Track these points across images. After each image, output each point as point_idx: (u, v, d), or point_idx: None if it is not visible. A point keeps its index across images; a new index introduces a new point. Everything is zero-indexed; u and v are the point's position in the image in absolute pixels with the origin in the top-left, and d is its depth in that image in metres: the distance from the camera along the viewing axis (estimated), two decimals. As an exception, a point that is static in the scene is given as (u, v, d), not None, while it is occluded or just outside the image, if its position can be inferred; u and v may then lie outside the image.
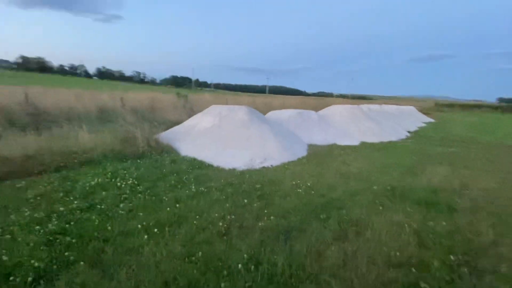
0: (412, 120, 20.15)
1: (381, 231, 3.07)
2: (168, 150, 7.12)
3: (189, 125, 8.51)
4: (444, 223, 3.30)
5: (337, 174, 5.54)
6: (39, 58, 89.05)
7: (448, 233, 3.12)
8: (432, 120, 24.22)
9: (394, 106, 21.79)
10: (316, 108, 16.29)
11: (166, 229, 3.04)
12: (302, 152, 7.56)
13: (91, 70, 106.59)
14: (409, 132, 14.60)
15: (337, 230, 3.12)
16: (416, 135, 13.26)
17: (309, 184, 4.76)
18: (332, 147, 8.75)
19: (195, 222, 3.21)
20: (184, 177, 4.95)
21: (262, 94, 55.66)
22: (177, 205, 3.68)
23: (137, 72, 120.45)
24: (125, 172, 5.08)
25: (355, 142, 10.07)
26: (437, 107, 47.92)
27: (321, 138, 9.88)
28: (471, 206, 3.94)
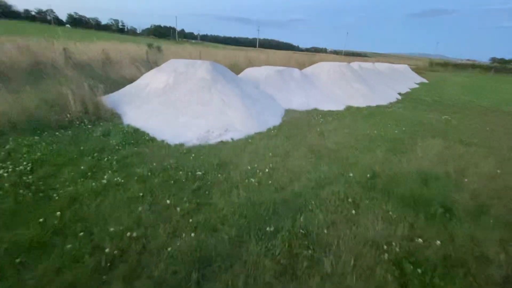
0: (404, 80, 18.83)
1: (347, 259, 2.07)
2: (110, 118, 5.76)
3: (140, 85, 6.98)
4: (438, 242, 2.32)
5: (308, 152, 4.45)
6: (1, 1, 78.10)
7: (444, 264, 2.16)
8: (425, 81, 22.95)
9: (387, 65, 20.22)
10: (304, 66, 14.63)
11: (18, 260, 1.95)
12: (274, 121, 6.34)
13: (62, 16, 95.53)
14: (400, 94, 13.43)
15: (285, 257, 2.11)
16: (408, 98, 12.12)
17: (268, 170, 3.66)
18: (312, 114, 7.55)
19: (69, 246, 2.11)
20: (106, 159, 3.75)
21: (252, 48, 51.70)
22: (63, 212, 2.54)
23: (114, 20, 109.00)
24: (27, 150, 3.81)
25: (340, 106, 8.87)
26: (431, 67, 46.31)
27: (302, 101, 8.60)
28: (473, 207, 2.99)
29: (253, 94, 7.07)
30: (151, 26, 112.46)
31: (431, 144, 5.30)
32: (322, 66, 11.36)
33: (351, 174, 3.64)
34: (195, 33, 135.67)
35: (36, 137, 4.31)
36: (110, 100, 6.63)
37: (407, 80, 19.62)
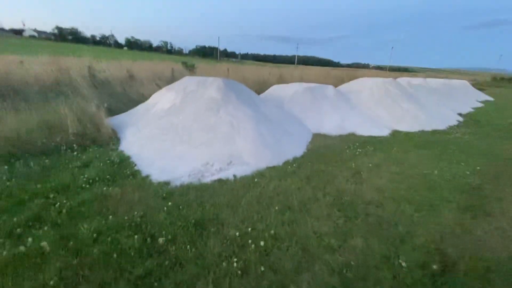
0: (465, 98, 16.02)
1: None
2: (106, 142, 5.08)
3: (149, 104, 6.32)
4: None
5: (335, 205, 3.07)
6: (73, 28, 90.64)
7: None
8: (490, 98, 19.50)
9: (441, 80, 17.56)
10: (343, 82, 13.14)
11: None
12: (296, 150, 5.06)
13: (121, 40, 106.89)
14: (461, 115, 11.09)
15: None
16: (472, 121, 9.83)
17: (267, 239, 2.40)
18: (348, 140, 6.09)
19: None
20: (58, 204, 2.85)
21: (290, 65, 51.16)
22: None
23: (164, 42, 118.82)
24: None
25: (384, 131, 7.23)
26: (494, 82, 40.55)
27: (336, 124, 7.18)
28: None
29: (273, 116, 5.90)
30: (196, 46, 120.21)
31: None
32: (362, 82, 9.81)
33: (402, 261, 2.19)
34: (237, 52, 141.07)
35: (4, 167, 3.66)
36: (116, 121, 6.04)
37: (468, 98, 16.71)
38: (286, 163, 4.44)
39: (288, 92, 8.19)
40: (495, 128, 8.55)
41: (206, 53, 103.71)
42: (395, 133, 7.12)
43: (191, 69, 14.77)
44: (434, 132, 7.51)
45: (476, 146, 6.00)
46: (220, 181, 3.69)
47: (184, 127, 4.88)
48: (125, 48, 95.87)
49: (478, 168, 4.47)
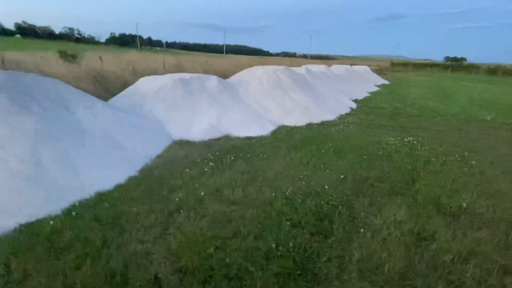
0: (364, 83, 16.94)
1: None
2: None
3: None
4: None
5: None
6: None
7: None
8: (386, 82, 21.49)
9: (345, 67, 18.29)
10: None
11: None
12: (120, 174, 3.44)
13: (8, 25, 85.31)
14: (356, 101, 11.21)
15: None
16: (364, 107, 9.86)
17: None
18: (212, 148, 4.78)
19: None
20: None
21: (219, 54, 48.61)
22: None
23: (69, 28, 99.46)
24: None
25: (267, 128, 6.21)
26: (392, 67, 46.52)
27: (209, 125, 5.81)
28: None
29: (97, 125, 4.12)
30: (110, 34, 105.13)
31: (392, 213, 2.71)
32: (253, 72, 8.71)
33: None
34: (163, 41, 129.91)
35: None
36: None
37: (367, 83, 17.80)
38: (73, 206, 2.79)
39: (154, 86, 6.45)
40: (381, 114, 8.56)
41: (126, 41, 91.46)
42: (279, 130, 6.17)
43: (71, 61, 11.49)
44: (321, 124, 6.88)
45: (353, 141, 5.40)
46: None
47: None
48: (18, 36, 76.83)
49: (342, 176, 3.62)
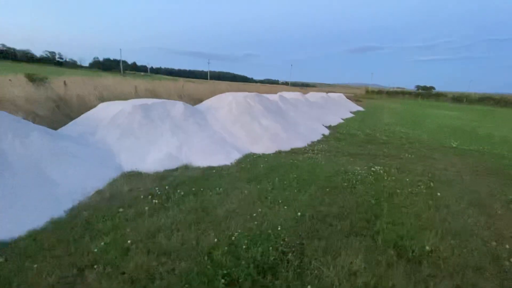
0: (339, 110, 17.33)
1: None
2: None
3: None
4: None
5: None
6: None
7: None
8: (361, 109, 22.21)
9: (320, 94, 18.74)
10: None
11: None
12: (38, 217, 2.89)
13: None
14: (330, 127, 11.25)
15: None
16: (336, 134, 9.84)
17: None
18: (164, 181, 4.32)
19: None
20: None
21: (204, 80, 49.07)
22: None
23: (50, 52, 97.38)
24: None
25: (232, 157, 5.86)
26: (367, 94, 48.91)
27: (169, 154, 5.38)
28: None
29: (15, 159, 3.59)
30: (94, 58, 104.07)
31: (343, 269, 2.33)
32: (223, 98, 8.53)
33: None
34: (148, 66, 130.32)
35: None
36: None
37: (342, 109, 18.24)
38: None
39: (111, 112, 6.02)
40: (352, 142, 8.50)
41: (110, 66, 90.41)
42: (244, 159, 5.83)
43: (39, 84, 10.81)
44: (290, 152, 6.63)
45: (319, 170, 5.15)
46: None
47: None
48: (-4, 60, 73.81)
49: (299, 214, 3.27)
